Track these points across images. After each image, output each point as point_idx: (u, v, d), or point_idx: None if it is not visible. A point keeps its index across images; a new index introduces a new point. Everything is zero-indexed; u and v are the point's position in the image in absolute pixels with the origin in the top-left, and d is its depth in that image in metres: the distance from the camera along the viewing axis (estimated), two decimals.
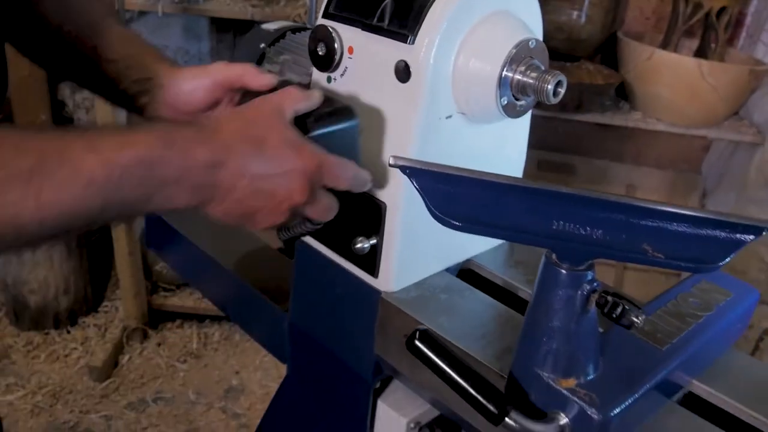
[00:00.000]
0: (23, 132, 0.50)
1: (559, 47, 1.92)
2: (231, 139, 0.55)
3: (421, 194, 0.52)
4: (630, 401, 0.53)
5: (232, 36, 2.20)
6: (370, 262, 0.69)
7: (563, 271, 0.51)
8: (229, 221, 0.58)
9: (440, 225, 0.71)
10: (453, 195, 0.52)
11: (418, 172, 0.52)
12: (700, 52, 1.94)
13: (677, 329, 0.62)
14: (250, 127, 0.57)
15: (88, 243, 2.01)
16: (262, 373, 1.93)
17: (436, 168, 0.52)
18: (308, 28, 0.99)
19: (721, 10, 1.81)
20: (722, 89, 1.77)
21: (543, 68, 0.64)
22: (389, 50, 0.62)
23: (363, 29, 0.64)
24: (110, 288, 2.16)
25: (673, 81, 1.79)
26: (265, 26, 0.99)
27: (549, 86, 0.62)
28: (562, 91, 0.63)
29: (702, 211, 0.49)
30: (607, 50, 2.02)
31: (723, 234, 0.49)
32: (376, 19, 0.63)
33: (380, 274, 0.70)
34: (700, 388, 0.63)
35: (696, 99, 1.80)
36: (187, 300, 2.03)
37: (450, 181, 0.52)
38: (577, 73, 1.82)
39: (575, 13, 1.88)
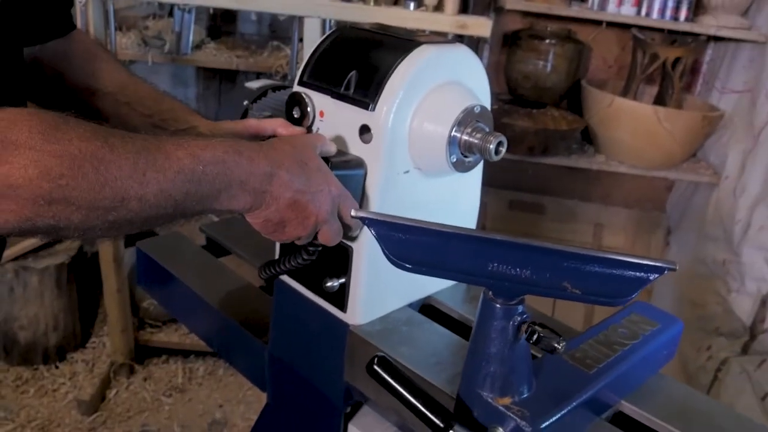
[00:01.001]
0: (128, 132, 0.59)
1: (527, 95, 2.05)
2: (283, 157, 0.66)
3: (378, 241, 0.61)
4: (558, 416, 0.62)
5: (218, 83, 2.32)
6: (340, 298, 0.78)
7: (498, 306, 0.61)
8: (265, 229, 0.69)
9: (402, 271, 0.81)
10: (405, 242, 0.61)
11: (375, 222, 0.61)
12: (660, 98, 2.08)
13: (605, 356, 0.72)
14: (297, 151, 0.68)
15: (77, 280, 2.08)
16: (244, 407, 1.99)
17: (390, 219, 0.61)
18: (287, 87, 1.10)
19: (676, 60, 1.95)
20: (678, 134, 1.90)
21: (487, 130, 0.74)
22: (354, 115, 0.72)
23: (332, 96, 0.74)
24: (98, 324, 2.22)
25: (633, 126, 1.92)
26: (248, 85, 1.09)
27: (491, 146, 0.72)
28: (503, 150, 0.73)
29: (610, 253, 0.59)
30: (571, 97, 2.15)
31: (630, 273, 0.58)
32: (342, 88, 0.73)
33: (348, 309, 0.79)
34: (628, 407, 0.72)
35: (654, 143, 1.93)
36: (173, 336, 2.09)
37: (402, 230, 0.61)
38: (543, 119, 1.95)
39: (541, 63, 2.02)
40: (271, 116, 1.00)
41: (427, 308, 0.88)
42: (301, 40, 1.62)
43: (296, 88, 0.78)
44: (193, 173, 0.59)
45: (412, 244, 0.62)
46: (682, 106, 2.05)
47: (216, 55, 1.93)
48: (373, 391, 0.79)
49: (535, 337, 0.58)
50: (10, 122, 0.51)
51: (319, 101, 0.76)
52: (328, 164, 0.70)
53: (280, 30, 2.20)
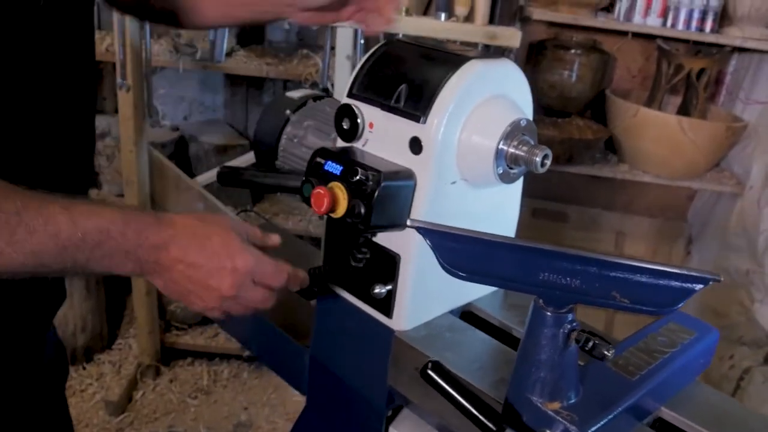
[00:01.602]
0: (17, 188, 0.62)
1: (552, 104, 2.07)
2: (179, 231, 0.69)
3: (432, 249, 0.64)
4: (604, 421, 0.64)
5: (245, 89, 2.36)
6: (386, 305, 0.81)
7: (548, 314, 0.63)
8: (168, 294, 0.71)
9: (446, 274, 0.83)
10: (459, 250, 0.64)
11: (431, 231, 0.64)
12: (683, 109, 2.09)
13: (646, 363, 0.74)
14: (200, 226, 0.71)
15: (105, 283, 2.12)
16: (269, 410, 2.02)
17: (445, 228, 0.64)
18: (327, 97, 1.13)
19: (701, 71, 1.97)
20: (701, 144, 1.91)
21: (532, 143, 0.76)
22: (404, 127, 0.75)
23: (382, 108, 0.77)
24: (124, 326, 2.26)
25: (657, 136, 1.94)
26: (289, 94, 1.12)
27: (537, 158, 0.74)
28: (548, 162, 0.76)
29: (659, 264, 0.61)
30: (596, 106, 2.17)
31: (676, 283, 0.60)
32: (393, 101, 0.76)
33: (394, 316, 0.81)
34: (668, 413, 0.74)
35: (678, 153, 1.94)
36: (198, 339, 2.13)
37: (456, 240, 0.64)
38: (568, 128, 1.97)
39: (566, 72, 2.04)
40: (308, 126, 1.03)
41: (468, 315, 0.90)
42: (332, 48, 1.65)
43: (345, 100, 0.81)
44: (71, 239, 0.61)
45: (464, 253, 0.64)
46: (706, 117, 2.06)
47: (246, 63, 1.97)
48: (416, 395, 0.81)
49: (590, 344, 0.60)
50: None
51: (368, 113, 0.79)
52: (380, 178, 0.71)
53: (308, 38, 2.24)
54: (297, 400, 2.06)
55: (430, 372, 0.64)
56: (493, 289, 0.94)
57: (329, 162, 0.77)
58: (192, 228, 0.70)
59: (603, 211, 2.39)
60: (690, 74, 1.97)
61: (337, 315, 0.89)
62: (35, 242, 0.60)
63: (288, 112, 1.08)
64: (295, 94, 1.12)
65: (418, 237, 0.76)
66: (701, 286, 0.60)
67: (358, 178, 0.71)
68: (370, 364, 0.86)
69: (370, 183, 0.72)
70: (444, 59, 0.76)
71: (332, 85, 1.73)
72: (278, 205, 2.36)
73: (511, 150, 0.75)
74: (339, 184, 0.75)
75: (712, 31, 1.89)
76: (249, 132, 2.42)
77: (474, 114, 0.75)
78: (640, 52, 2.19)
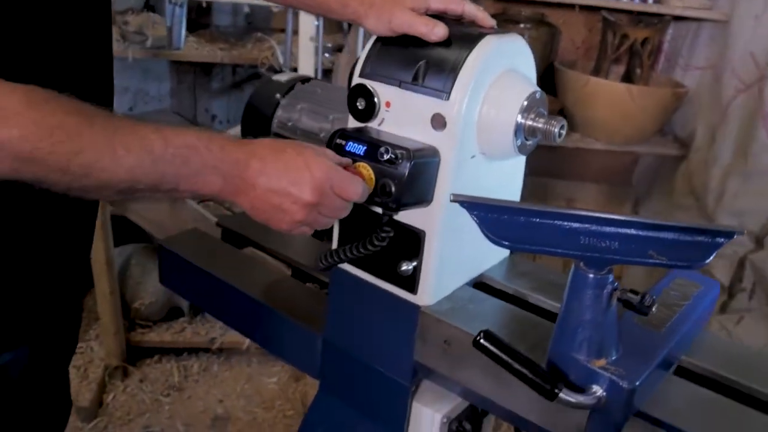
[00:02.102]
0: (112, 113, 0.68)
1: None
2: (257, 146, 0.72)
3: (477, 222, 0.65)
4: (647, 373, 0.67)
5: (193, 76, 2.29)
6: (411, 281, 0.82)
7: (591, 276, 0.66)
8: (257, 215, 0.73)
9: (464, 246, 0.85)
10: (503, 222, 0.65)
11: (475, 205, 0.65)
12: (627, 77, 2.18)
13: (667, 316, 0.78)
14: (276, 143, 0.74)
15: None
16: (245, 401, 2.00)
17: (488, 201, 0.65)
18: (313, 78, 1.11)
19: (644, 40, 2.05)
20: (649, 110, 2.00)
21: (546, 114, 0.78)
22: (426, 104, 0.75)
23: (400, 86, 0.77)
24: (83, 329, 2.18)
25: (607, 105, 2.01)
26: (276, 78, 1.10)
27: (555, 129, 0.77)
28: (564, 132, 0.78)
29: (689, 223, 0.64)
30: (544, 79, 2.23)
31: (706, 238, 0.64)
32: (412, 79, 0.76)
33: (419, 291, 0.82)
34: (687, 361, 0.79)
35: (627, 120, 2.03)
36: (165, 335, 2.08)
37: (500, 211, 0.65)
38: None
39: None
40: (302, 109, 1.02)
41: (481, 285, 0.92)
42: (295, 32, 1.63)
43: (358, 80, 0.81)
44: (163, 155, 0.65)
45: (509, 224, 0.66)
46: (649, 84, 2.15)
47: (198, 49, 1.91)
48: (445, 366, 0.83)
49: (640, 301, 0.63)
50: (6, 92, 0.60)
51: (384, 92, 0.79)
52: (410, 155, 0.72)
53: (257, 21, 2.19)
54: (272, 388, 2.05)
55: (483, 341, 0.66)
56: (502, 258, 0.96)
57: (350, 142, 0.76)
58: (268, 143, 0.73)
59: (553, 179, 2.47)
60: (634, 43, 2.05)
61: (354, 296, 0.89)
62: (133, 158, 0.63)
63: (278, 96, 1.06)
64: (281, 77, 1.10)
65: (442, 212, 0.78)
66: (727, 240, 0.64)
67: (388, 156, 0.71)
68: (392, 341, 0.87)
69: (401, 161, 0.72)
70: (459, 36, 0.77)
71: (295, 68, 1.71)
72: None
73: (529, 122, 0.77)
74: (364, 164, 0.75)
75: (655, 1, 1.97)
76: (199, 120, 2.35)
77: (492, 89, 0.76)
78: (584, 24, 2.26)
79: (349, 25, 2.00)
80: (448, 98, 0.74)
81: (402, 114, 0.78)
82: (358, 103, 0.80)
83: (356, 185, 0.73)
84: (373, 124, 0.81)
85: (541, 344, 0.77)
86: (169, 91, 2.30)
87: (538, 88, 0.79)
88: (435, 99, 0.74)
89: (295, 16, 1.61)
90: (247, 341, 2.07)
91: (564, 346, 0.68)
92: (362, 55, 0.81)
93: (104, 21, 0.88)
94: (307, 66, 1.63)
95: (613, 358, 0.68)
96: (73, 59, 0.82)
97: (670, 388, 0.74)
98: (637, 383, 0.65)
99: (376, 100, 0.79)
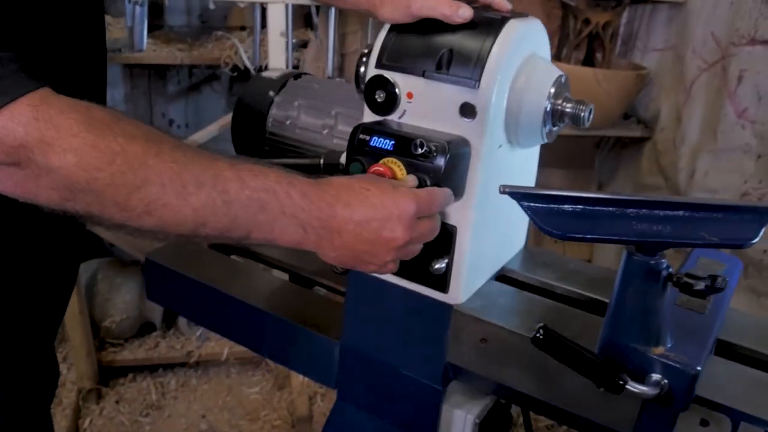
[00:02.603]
0: (180, 141, 0.59)
1: None
2: (340, 190, 0.64)
3: (528, 213, 0.62)
4: (704, 357, 0.66)
5: (147, 80, 2.18)
6: (442, 280, 0.78)
7: (645, 262, 0.64)
8: (341, 263, 0.67)
9: (491, 240, 0.82)
10: (555, 212, 0.63)
11: (526, 196, 0.62)
12: (587, 62, 2.19)
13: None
14: (355, 180, 0.66)
15: None
16: (228, 413, 1.93)
17: (538, 191, 0.62)
18: (305, 74, 1.06)
19: (606, 24, 2.07)
20: (615, 93, 2.01)
21: (573, 99, 0.76)
22: (453, 93, 0.72)
23: (423, 76, 0.73)
24: None
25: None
26: (265, 74, 1.05)
27: (584, 114, 0.74)
28: (591, 117, 0.76)
29: (735, 201, 0.63)
30: None
31: (753, 216, 0.63)
32: (435, 68, 0.72)
33: (450, 290, 0.79)
34: (723, 340, 0.78)
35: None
36: (138, 352, 1.98)
37: (552, 201, 0.63)
38: None
39: None
40: (299, 105, 0.97)
41: (503, 279, 0.89)
42: (264, 27, 1.56)
43: (374, 70, 0.76)
44: (237, 197, 0.57)
45: (561, 214, 0.63)
46: (611, 67, 2.17)
47: (156, 51, 1.82)
48: (480, 365, 0.80)
49: (703, 284, 0.61)
50: (61, 109, 0.52)
51: (405, 83, 0.75)
52: (445, 150, 0.68)
53: (212, 20, 2.11)
54: (255, 398, 1.98)
55: (542, 338, 0.63)
56: (518, 249, 0.94)
57: (375, 137, 0.72)
58: (348, 185, 0.64)
59: None
60: (596, 27, 2.06)
61: (376, 299, 0.85)
62: (203, 197, 0.55)
63: (271, 93, 1.01)
64: (272, 74, 1.05)
65: (474, 205, 0.75)
66: None
67: (423, 149, 0.68)
68: (423, 344, 0.83)
69: (436, 154, 0.68)
70: (480, 21, 0.74)
71: (265, 66, 1.64)
72: None
73: (558, 107, 0.75)
74: (393, 160, 0.71)
75: None
76: (156, 125, 2.25)
77: (519, 75, 0.74)
78: (541, 10, 2.26)
79: (310, 22, 1.94)
80: (477, 86, 0.70)
81: (426, 105, 0.74)
82: (377, 96, 0.76)
83: (438, 198, 0.68)
84: (392, 117, 0.77)
85: (584, 335, 0.75)
86: (123, 96, 2.19)
87: (562, 72, 0.76)
88: (463, 88, 0.71)
89: (263, 11, 1.54)
90: (226, 352, 2.00)
91: (619, 335, 0.66)
92: (376, 44, 0.77)
93: (98, 16, 0.80)
94: (278, 62, 1.57)
95: (669, 345, 0.66)
96: (71, 56, 0.75)
97: (715, 369, 0.73)
98: (699, 368, 0.64)
99: (397, 91, 0.75)
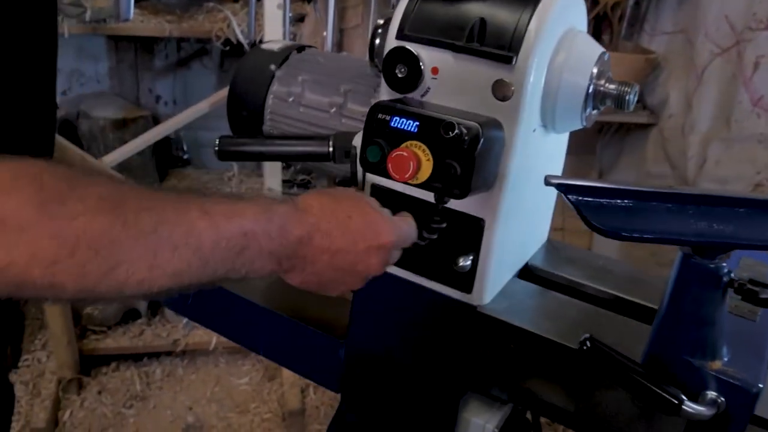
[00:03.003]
0: (145, 190, 0.49)
1: None
2: (320, 217, 0.58)
3: (576, 208, 0.54)
4: (763, 371, 0.59)
5: (134, 54, 2.07)
6: (466, 278, 0.70)
7: (704, 266, 0.56)
8: (304, 287, 0.61)
9: (518, 234, 0.74)
10: (606, 207, 0.55)
11: (576, 188, 0.54)
12: None
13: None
14: (338, 206, 0.60)
15: None
16: (216, 405, 1.85)
17: (587, 183, 0.55)
18: (309, 47, 0.97)
19: (614, 5, 1.99)
20: (624, 77, 1.93)
21: (615, 80, 0.68)
22: (485, 70, 0.63)
23: (450, 50, 0.65)
24: (27, 339, 1.96)
25: None
26: (265, 47, 0.96)
27: (630, 96, 0.66)
28: (636, 99, 0.68)
29: None
30: None
31: None
32: (465, 40, 0.64)
33: (475, 289, 0.71)
34: None
35: None
36: (122, 339, 1.89)
37: (601, 194, 0.55)
38: None
39: None
40: (304, 81, 0.88)
41: (527, 275, 0.82)
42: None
43: (394, 42, 0.68)
44: (214, 250, 0.50)
45: (610, 209, 0.55)
46: (618, 51, 2.09)
47: (143, 22, 1.71)
48: (507, 372, 0.73)
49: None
50: (4, 188, 0.42)
51: (430, 56, 0.66)
52: (478, 131, 0.60)
53: None
54: (244, 390, 1.90)
55: (589, 349, 0.56)
56: (541, 244, 0.87)
57: (397, 117, 0.64)
58: (331, 210, 0.59)
59: None
60: (606, 9, 1.98)
61: (389, 298, 0.77)
62: (177, 261, 0.47)
63: (273, 67, 0.92)
64: (273, 46, 0.95)
65: (504, 196, 0.67)
66: None
67: (455, 132, 0.59)
68: (442, 347, 0.76)
69: (467, 138, 0.60)
70: None
71: (260, 40, 1.54)
72: (187, 181, 2.14)
73: (601, 88, 0.67)
74: (418, 143, 0.62)
75: None
76: (142, 101, 2.14)
77: (558, 51, 0.65)
78: None
79: None
80: (514, 63, 0.62)
81: (453, 82, 0.66)
82: (397, 71, 0.68)
83: (413, 231, 0.66)
84: (414, 95, 0.68)
85: (623, 343, 0.68)
86: (107, 70, 2.08)
87: (604, 49, 0.68)
88: (498, 63, 0.63)
89: None
90: (214, 341, 1.92)
91: (671, 347, 0.59)
92: (397, 12, 0.68)
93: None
94: (274, 37, 1.47)
95: (726, 358, 0.59)
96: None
97: None
98: (760, 385, 0.57)
99: (421, 65, 0.66)
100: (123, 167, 1.88)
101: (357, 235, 0.59)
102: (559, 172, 0.83)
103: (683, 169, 1.88)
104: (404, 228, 0.64)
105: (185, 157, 2.18)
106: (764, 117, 1.65)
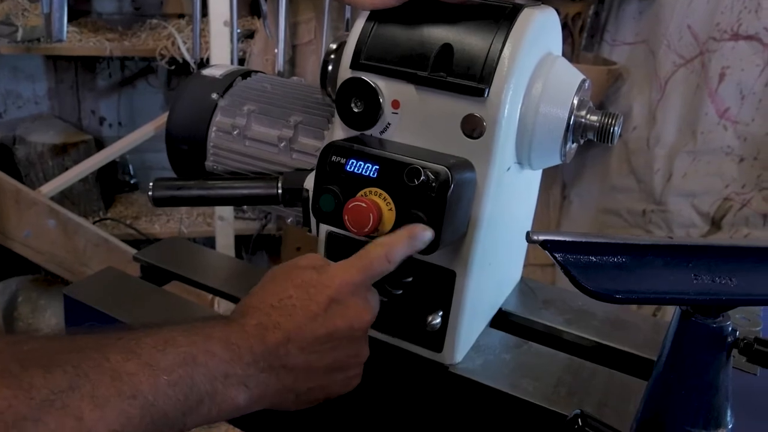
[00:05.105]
0: (50, 344, 0.41)
1: None
2: (259, 315, 0.49)
3: (563, 268, 0.47)
4: None
5: (74, 73, 1.95)
6: (437, 336, 0.63)
7: (708, 325, 0.49)
8: (311, 403, 0.52)
9: (491, 282, 0.67)
10: (594, 265, 0.48)
11: (563, 245, 0.47)
12: None
13: None
14: (267, 291, 0.51)
15: None
16: None
17: (577, 238, 0.47)
18: (256, 72, 0.89)
19: (575, 15, 1.95)
20: None
21: (597, 109, 0.61)
22: (453, 104, 0.56)
23: (414, 82, 0.57)
24: None
25: None
26: (207, 72, 0.87)
27: (615, 128, 0.60)
28: (620, 131, 0.61)
29: None
30: None
31: None
32: (429, 70, 0.56)
33: (445, 348, 0.63)
34: None
35: None
36: None
37: (590, 250, 0.47)
38: None
39: None
40: (250, 111, 0.79)
41: (501, 321, 0.74)
42: (205, 15, 1.37)
43: (348, 72, 0.60)
44: (155, 394, 0.41)
45: (602, 266, 0.48)
46: (579, 61, 2.05)
47: (81, 41, 1.60)
48: None
49: None
50: None
51: (389, 88, 0.59)
52: (449, 175, 0.52)
53: (146, 7, 1.88)
54: None
55: (580, 428, 0.48)
56: (515, 284, 0.79)
57: (353, 160, 0.56)
58: (262, 302, 0.50)
59: None
60: (566, 19, 1.94)
61: None
62: (111, 415, 0.38)
63: (215, 96, 0.83)
64: (215, 71, 0.86)
65: (476, 244, 0.59)
66: None
67: (422, 178, 0.52)
68: (411, 408, 0.68)
69: (435, 185, 0.52)
70: (484, 8, 0.58)
71: (207, 59, 1.45)
72: (134, 207, 2.01)
73: (582, 121, 0.60)
74: (378, 191, 0.54)
75: None
76: (84, 124, 2.02)
77: (535, 80, 0.58)
78: None
79: (257, 10, 1.75)
80: (486, 95, 0.55)
81: (417, 117, 0.58)
82: (353, 105, 0.59)
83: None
84: (372, 131, 0.60)
85: (609, 402, 0.61)
86: (46, 91, 1.95)
87: (584, 76, 0.61)
88: (467, 97, 0.55)
89: None
90: None
91: (668, 416, 0.52)
92: (351, 37, 0.61)
93: None
94: (221, 55, 1.38)
95: (730, 425, 0.52)
96: None
97: None
98: None
99: (380, 99, 0.58)
100: (64, 195, 1.75)
101: (308, 306, 0.49)
102: (533, 208, 0.76)
103: (649, 182, 1.84)
104: (365, 263, 0.53)
105: (132, 181, 2.05)
106: (731, 129, 1.62)
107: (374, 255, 0.52)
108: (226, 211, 1.57)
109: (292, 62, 1.61)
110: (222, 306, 0.83)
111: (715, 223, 1.67)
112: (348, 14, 1.49)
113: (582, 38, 2.14)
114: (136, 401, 0.39)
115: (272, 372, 0.47)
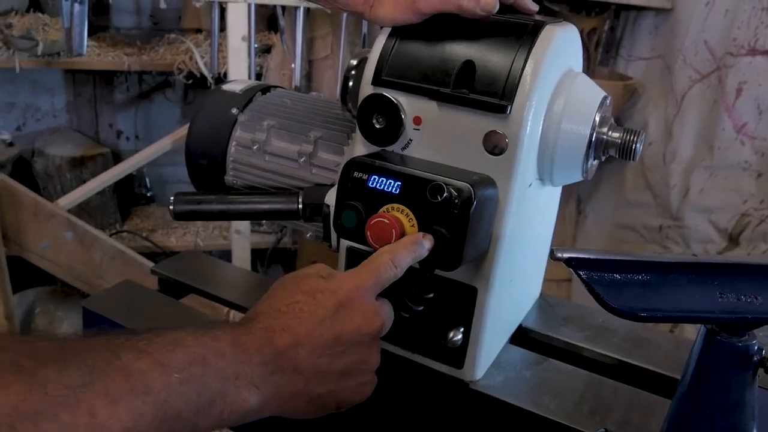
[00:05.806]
0: (63, 343, 0.41)
1: None
2: (268, 319, 0.49)
3: (587, 286, 0.47)
4: None
5: (92, 87, 1.97)
6: (458, 352, 0.62)
7: (734, 344, 0.49)
8: (323, 406, 0.52)
9: (512, 299, 0.67)
10: (619, 283, 0.47)
11: (583, 262, 0.46)
12: None
13: None
14: (275, 298, 0.51)
15: None
16: None
17: (599, 255, 0.47)
18: (276, 87, 0.89)
19: (591, 31, 1.95)
20: None
21: (618, 126, 0.61)
22: (476, 120, 0.56)
23: (435, 98, 0.57)
24: None
25: None
26: (227, 88, 0.87)
27: (638, 145, 0.59)
28: (641, 148, 0.61)
29: None
30: None
31: None
32: (451, 87, 0.56)
33: (466, 364, 0.63)
34: None
35: None
36: None
37: (615, 267, 0.47)
38: None
39: None
40: (270, 126, 0.80)
41: (521, 337, 0.74)
42: (222, 30, 1.38)
43: (370, 88, 0.60)
44: (167, 391, 0.41)
45: (627, 284, 0.48)
46: (595, 77, 2.05)
47: (100, 56, 1.62)
48: None
49: None
50: None
51: (411, 105, 0.59)
52: (473, 188, 0.52)
53: (164, 21, 1.91)
54: None
55: None
56: (534, 301, 0.79)
57: (375, 176, 0.56)
58: (270, 307, 0.50)
59: None
60: (582, 34, 1.94)
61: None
62: (125, 415, 0.38)
63: (234, 111, 0.83)
64: (235, 87, 0.87)
65: (497, 260, 0.59)
66: None
67: (445, 195, 0.52)
68: (432, 425, 0.67)
69: (458, 202, 0.52)
70: (507, 25, 0.58)
71: (224, 73, 1.46)
72: (150, 220, 2.03)
73: (604, 137, 0.60)
74: (401, 207, 0.55)
75: None
76: (102, 137, 2.04)
77: (556, 97, 0.58)
78: None
79: (274, 25, 1.77)
80: (508, 112, 0.55)
81: (439, 133, 0.58)
82: (374, 121, 0.60)
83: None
84: (393, 147, 0.60)
85: (631, 420, 0.61)
86: (65, 105, 1.97)
87: (605, 92, 0.61)
88: (489, 113, 0.55)
89: (222, 11, 1.36)
90: None
91: None
92: (372, 54, 0.61)
93: None
94: (239, 70, 1.39)
95: None
96: None
97: None
98: None
99: (402, 115, 0.58)
100: (82, 208, 1.77)
101: (316, 310, 0.50)
102: (552, 224, 0.76)
103: (666, 197, 1.83)
104: (373, 271, 0.54)
105: (149, 194, 2.07)
106: (748, 144, 1.61)
107: (380, 261, 0.52)
108: (243, 225, 1.57)
109: (308, 77, 1.62)
110: (237, 319, 0.83)
111: (733, 239, 1.66)
112: (365, 29, 1.50)
113: (597, 53, 2.14)
114: (148, 398, 0.39)
115: (283, 374, 0.47)
